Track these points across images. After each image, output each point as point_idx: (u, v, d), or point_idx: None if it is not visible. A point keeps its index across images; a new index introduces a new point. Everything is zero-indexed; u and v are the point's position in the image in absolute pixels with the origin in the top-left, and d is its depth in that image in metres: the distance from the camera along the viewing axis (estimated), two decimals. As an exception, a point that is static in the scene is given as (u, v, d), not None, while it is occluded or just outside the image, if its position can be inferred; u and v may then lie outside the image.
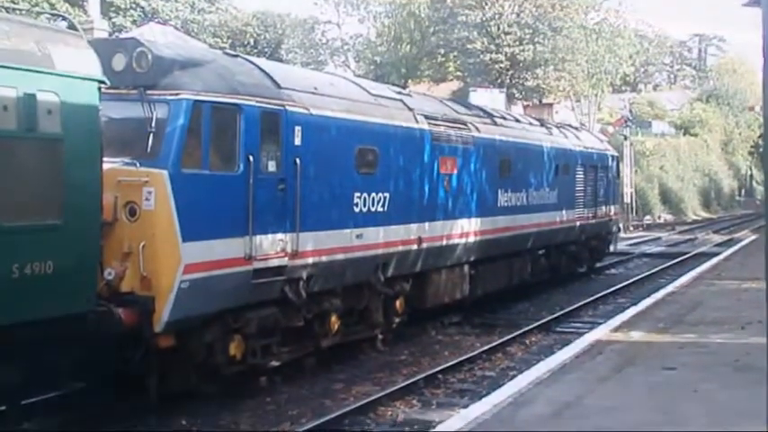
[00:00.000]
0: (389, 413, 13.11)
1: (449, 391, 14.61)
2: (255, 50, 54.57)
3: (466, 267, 20.16)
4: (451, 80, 67.49)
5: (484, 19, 58.40)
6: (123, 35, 41.22)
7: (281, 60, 48.68)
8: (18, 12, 14.48)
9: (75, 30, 11.27)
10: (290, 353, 14.54)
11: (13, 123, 9.58)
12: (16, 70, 9.56)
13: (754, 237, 43.04)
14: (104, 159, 10.92)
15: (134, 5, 53.69)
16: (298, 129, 13.90)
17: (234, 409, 13.06)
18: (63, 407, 12.24)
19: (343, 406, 13.15)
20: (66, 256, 10.12)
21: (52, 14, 24.64)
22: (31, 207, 9.96)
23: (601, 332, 15.23)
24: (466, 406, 12.16)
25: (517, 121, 24.82)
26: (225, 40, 56.63)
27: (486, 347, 17.42)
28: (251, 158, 12.77)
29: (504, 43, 58.10)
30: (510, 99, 57.99)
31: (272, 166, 13.37)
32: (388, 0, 65.16)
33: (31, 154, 9.92)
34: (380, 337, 17.30)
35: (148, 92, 11.96)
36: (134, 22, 51.87)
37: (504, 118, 23.82)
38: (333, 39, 70.07)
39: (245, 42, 58.34)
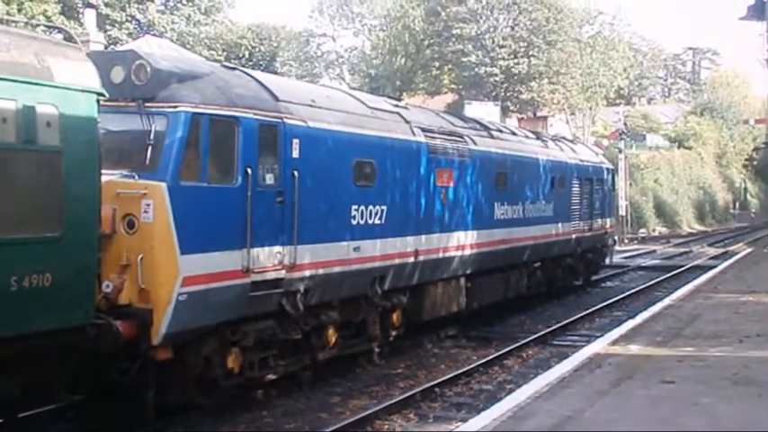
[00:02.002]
0: (386, 427, 13.08)
1: (446, 404, 14.56)
2: (250, 63, 54.69)
3: (462, 280, 20.14)
4: (446, 93, 67.65)
5: (478, 32, 58.68)
6: (119, 48, 41.22)
7: (275, 73, 48.69)
8: (15, 24, 14.48)
9: (73, 42, 11.26)
10: (287, 366, 14.49)
11: (13, 136, 9.56)
12: (16, 82, 9.55)
13: (749, 250, 43.05)
14: (103, 171, 10.89)
15: (130, 18, 53.75)
16: (295, 141, 13.89)
17: (230, 422, 13.01)
18: (60, 419, 12.23)
19: (340, 420, 13.08)
20: (65, 269, 10.08)
21: (48, 27, 24.64)
22: (29, 219, 9.93)
23: (599, 345, 15.16)
24: (464, 419, 12.12)
25: (513, 133, 24.81)
26: (220, 52, 56.79)
27: (482, 361, 17.39)
28: (249, 171, 12.76)
29: (499, 56, 58.32)
30: (505, 112, 58.17)
31: (269, 179, 13.35)
32: (382, 13, 65.36)
33: (30, 166, 9.90)
34: (377, 350, 17.25)
35: (147, 104, 11.96)
36: (130, 34, 51.90)
37: (501, 131, 23.83)
38: (328, 52, 70.30)
39: (241, 55, 58.49)
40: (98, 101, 10.67)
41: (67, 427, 12.27)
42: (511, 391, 12.95)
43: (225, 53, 56.91)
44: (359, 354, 16.83)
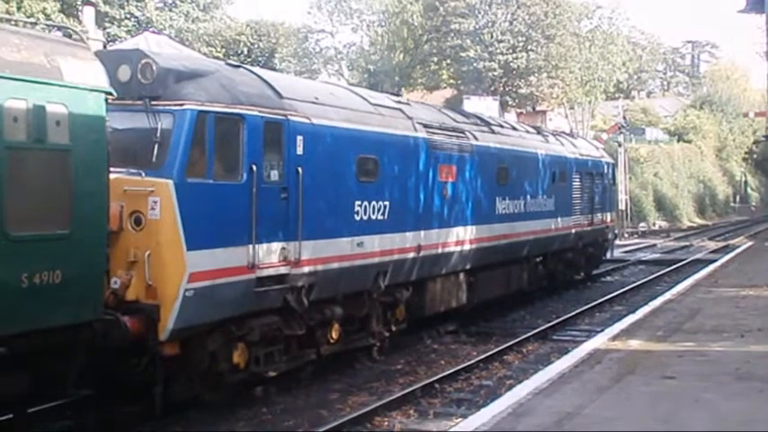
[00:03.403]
0: (386, 423, 13.08)
1: (446, 400, 14.56)
2: (249, 59, 54.56)
3: (463, 275, 20.22)
4: (445, 88, 67.58)
5: (477, 27, 58.65)
6: (118, 45, 41.25)
7: (274, 69, 48.66)
8: (15, 23, 14.55)
9: (77, 41, 11.33)
10: (290, 362, 14.57)
11: (23, 135, 9.66)
12: (26, 82, 9.65)
13: (749, 243, 43.00)
14: (110, 169, 10.99)
15: (129, 15, 53.75)
16: (299, 138, 13.97)
17: (230, 418, 13.02)
18: (65, 416, 12.32)
19: (340, 417, 13.10)
20: (74, 266, 10.18)
21: (50, 25, 24.57)
22: (39, 217, 10.03)
23: (599, 341, 15.17)
24: (464, 416, 12.14)
25: (514, 128, 24.86)
26: (219, 49, 56.67)
27: (482, 356, 17.38)
28: (254, 168, 12.85)
29: (498, 51, 58.29)
30: (503, 107, 58.13)
31: (274, 176, 13.45)
32: (381, 9, 65.29)
33: (40, 165, 9.99)
34: (377, 344, 17.32)
35: (153, 102, 12.05)
36: (128, 32, 51.92)
37: (501, 126, 23.87)
38: (326, 47, 70.23)
39: (239, 51, 58.34)
40: (106, 99, 10.77)
41: (73, 422, 12.35)
42: (511, 387, 12.99)
43: (223, 50, 56.78)
44: (358, 350, 16.88)
